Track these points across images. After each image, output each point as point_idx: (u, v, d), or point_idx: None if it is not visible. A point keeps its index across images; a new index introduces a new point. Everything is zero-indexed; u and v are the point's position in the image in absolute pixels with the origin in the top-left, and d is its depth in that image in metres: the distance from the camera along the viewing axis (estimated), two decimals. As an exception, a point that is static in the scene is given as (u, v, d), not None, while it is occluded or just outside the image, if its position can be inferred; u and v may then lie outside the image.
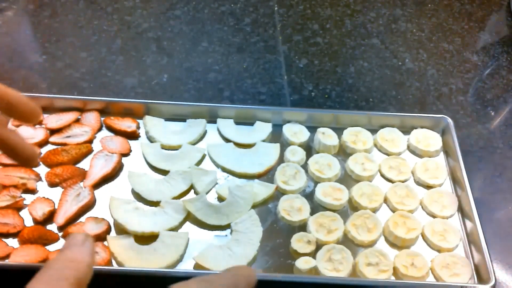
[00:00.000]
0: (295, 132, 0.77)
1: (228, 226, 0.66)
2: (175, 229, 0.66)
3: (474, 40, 1.01)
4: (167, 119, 0.78)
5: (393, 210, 0.69)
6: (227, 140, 0.76)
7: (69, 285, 0.32)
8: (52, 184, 0.69)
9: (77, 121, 0.76)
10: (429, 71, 0.94)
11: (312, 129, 0.77)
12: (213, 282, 0.35)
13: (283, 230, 0.67)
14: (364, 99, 0.87)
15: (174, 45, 0.95)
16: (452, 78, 0.93)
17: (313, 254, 0.64)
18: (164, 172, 0.72)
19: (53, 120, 0.75)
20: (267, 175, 0.73)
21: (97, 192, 0.68)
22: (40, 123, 0.75)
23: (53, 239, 0.63)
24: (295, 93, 0.87)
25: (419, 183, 0.73)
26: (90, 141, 0.74)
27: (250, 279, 0.38)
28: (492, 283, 0.60)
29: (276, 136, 0.77)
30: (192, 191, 0.70)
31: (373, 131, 0.78)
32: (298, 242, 0.64)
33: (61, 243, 0.63)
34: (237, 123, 0.78)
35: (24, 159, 0.48)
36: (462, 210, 0.70)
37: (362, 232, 0.66)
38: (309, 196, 0.70)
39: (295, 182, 0.71)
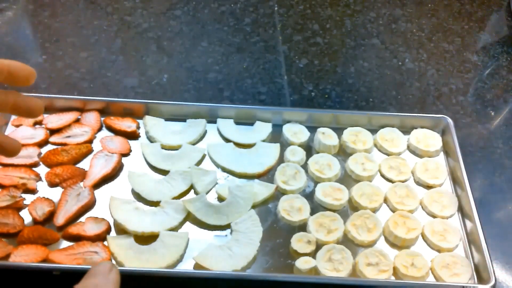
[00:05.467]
0: (295, 132, 0.77)
1: (228, 226, 0.66)
2: (175, 229, 0.66)
3: (474, 40, 1.01)
4: (167, 119, 0.78)
5: (393, 210, 0.69)
6: (227, 140, 0.76)
7: None
8: (52, 184, 0.69)
9: (77, 121, 0.76)
10: (429, 71, 0.94)
11: (312, 129, 0.77)
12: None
13: (283, 230, 0.67)
14: (364, 99, 0.87)
15: (174, 45, 0.95)
16: (452, 78, 0.93)
17: (313, 254, 0.64)
18: (164, 172, 0.71)
19: (53, 120, 0.75)
20: (267, 175, 0.73)
21: (97, 192, 0.68)
22: (40, 123, 0.75)
23: (53, 239, 0.63)
24: (295, 93, 0.87)
25: (419, 183, 0.73)
26: (90, 141, 0.74)
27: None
28: (492, 283, 0.60)
29: (276, 136, 0.77)
30: (192, 191, 0.70)
31: (373, 131, 0.78)
32: (298, 242, 0.64)
33: (61, 243, 0.63)
34: (237, 123, 0.78)
35: (9, 151, 0.54)
36: (462, 210, 0.70)
37: (362, 232, 0.66)
38: (309, 196, 0.70)
39: (295, 182, 0.71)
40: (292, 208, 0.68)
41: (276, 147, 0.75)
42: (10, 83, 0.51)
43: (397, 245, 0.66)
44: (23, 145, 0.71)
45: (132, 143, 0.75)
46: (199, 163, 0.73)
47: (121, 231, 0.64)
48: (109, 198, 0.67)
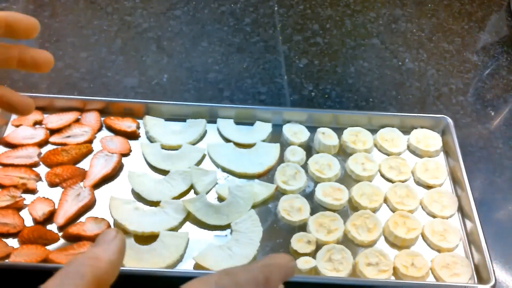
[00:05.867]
0: (295, 132, 0.77)
1: (228, 226, 0.66)
2: (175, 229, 0.66)
3: (474, 40, 1.01)
4: (167, 119, 0.78)
5: (393, 210, 0.69)
6: (227, 140, 0.76)
7: (85, 282, 0.30)
8: (52, 184, 0.69)
9: (77, 121, 0.76)
10: (429, 71, 0.94)
11: (312, 129, 0.77)
12: (236, 274, 0.31)
13: (283, 230, 0.67)
14: (364, 99, 0.87)
15: (174, 45, 0.95)
16: (452, 78, 0.93)
17: (313, 254, 0.64)
18: (164, 172, 0.71)
19: (53, 120, 0.75)
20: (267, 175, 0.73)
21: (97, 192, 0.68)
22: (40, 123, 0.75)
23: (53, 239, 0.63)
24: (295, 93, 0.87)
25: (419, 183, 0.73)
26: (90, 141, 0.74)
27: (286, 270, 0.32)
28: (492, 283, 0.60)
29: (276, 136, 0.77)
30: (192, 191, 0.70)
31: (373, 131, 0.78)
32: (298, 242, 0.64)
33: (61, 243, 0.63)
34: (237, 123, 0.78)
35: (20, 110, 0.52)
36: (462, 210, 0.70)
37: (362, 232, 0.66)
38: (309, 196, 0.70)
39: (295, 182, 0.71)
40: (292, 208, 0.68)
41: (276, 147, 0.75)
42: (10, 36, 0.47)
43: (397, 245, 0.66)
44: (23, 145, 0.71)
45: (132, 143, 0.75)
46: (199, 163, 0.73)
47: (121, 231, 0.64)
48: (109, 198, 0.67)
